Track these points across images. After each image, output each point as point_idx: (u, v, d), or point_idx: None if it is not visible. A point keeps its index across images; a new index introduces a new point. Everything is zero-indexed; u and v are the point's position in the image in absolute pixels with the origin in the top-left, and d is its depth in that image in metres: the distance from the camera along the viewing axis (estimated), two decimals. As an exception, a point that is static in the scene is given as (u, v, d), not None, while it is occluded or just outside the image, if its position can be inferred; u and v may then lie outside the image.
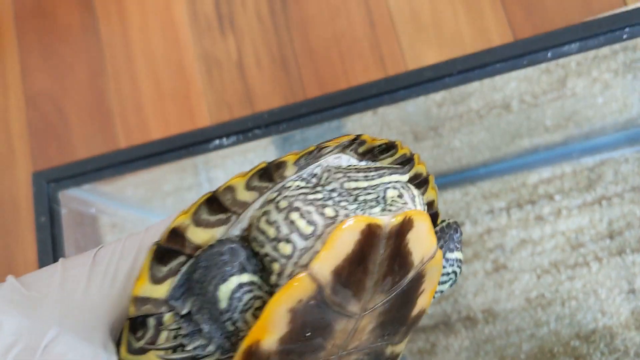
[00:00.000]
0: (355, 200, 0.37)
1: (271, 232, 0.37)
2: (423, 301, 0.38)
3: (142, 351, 0.36)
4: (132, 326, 0.36)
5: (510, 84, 0.75)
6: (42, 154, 0.90)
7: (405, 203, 0.38)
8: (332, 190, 0.38)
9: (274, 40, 0.86)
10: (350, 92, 0.46)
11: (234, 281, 0.35)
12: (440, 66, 0.44)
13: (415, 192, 0.40)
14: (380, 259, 0.35)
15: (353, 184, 0.37)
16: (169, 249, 0.36)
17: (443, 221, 0.44)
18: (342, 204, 0.37)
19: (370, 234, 0.35)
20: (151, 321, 0.36)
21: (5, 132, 0.92)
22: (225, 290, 0.35)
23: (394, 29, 0.83)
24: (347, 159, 0.41)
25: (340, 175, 0.38)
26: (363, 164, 0.41)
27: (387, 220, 0.35)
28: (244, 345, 0.33)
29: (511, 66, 0.44)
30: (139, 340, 0.36)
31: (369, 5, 0.84)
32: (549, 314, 0.69)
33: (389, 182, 0.38)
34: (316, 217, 0.36)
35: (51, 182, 0.52)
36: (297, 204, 0.37)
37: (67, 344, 0.35)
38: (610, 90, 0.73)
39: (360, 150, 0.40)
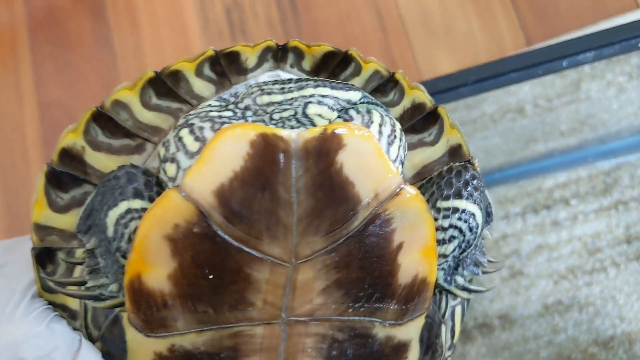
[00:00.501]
0: (272, 119, 0.31)
1: (162, 152, 0.32)
2: (412, 262, 0.30)
3: (57, 286, 0.33)
4: (39, 260, 0.33)
5: (524, 87, 0.74)
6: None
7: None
8: (246, 108, 0.32)
9: (286, 47, 0.86)
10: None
11: (122, 206, 0.31)
12: (454, 76, 0.44)
13: (379, 119, 0.32)
14: (297, 184, 0.28)
15: (266, 98, 0.31)
16: (64, 172, 0.32)
17: (449, 166, 0.35)
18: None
19: (266, 147, 0.28)
20: (60, 254, 0.33)
21: (21, 142, 0.93)
22: (112, 216, 0.31)
23: (405, 34, 0.82)
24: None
25: (255, 89, 0.32)
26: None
27: (294, 133, 0.29)
28: (125, 279, 0.29)
29: (526, 75, 0.44)
30: (52, 276, 0.33)
31: (379, 10, 0.84)
32: (566, 320, 0.69)
33: (310, 95, 0.31)
34: (208, 133, 0.30)
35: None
36: (193, 120, 0.32)
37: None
38: (625, 94, 0.73)
39: (305, 65, 0.34)
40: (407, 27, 0.83)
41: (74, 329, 0.34)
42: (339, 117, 0.31)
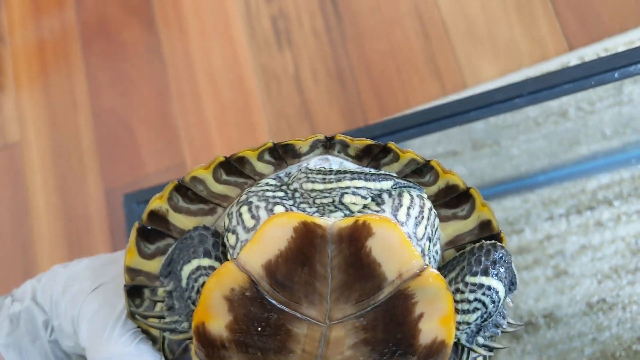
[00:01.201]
0: (315, 203, 0.37)
1: (226, 222, 0.39)
2: (431, 328, 0.36)
3: (141, 317, 0.41)
4: (130, 294, 0.41)
5: (567, 91, 0.76)
6: (112, 170, 0.94)
7: (381, 211, 0.37)
8: (295, 191, 0.38)
9: (330, 54, 0.89)
10: (423, 114, 0.48)
11: (194, 263, 0.38)
12: (510, 88, 0.46)
13: (408, 202, 0.38)
14: (331, 263, 0.34)
15: (310, 185, 0.37)
16: (151, 229, 0.40)
17: (473, 242, 0.40)
18: (302, 205, 0.37)
19: (307, 232, 0.34)
20: (146, 292, 0.41)
21: (77, 149, 0.97)
22: (186, 270, 0.38)
23: (449, 41, 0.85)
24: (339, 162, 0.40)
25: (302, 175, 0.38)
26: (354, 167, 0.39)
27: (331, 222, 0.35)
28: (193, 324, 0.36)
29: (579, 87, 0.46)
30: (139, 308, 0.41)
31: (422, 17, 0.86)
32: (610, 318, 0.70)
33: (347, 187, 0.36)
34: (262, 213, 0.37)
35: (142, 203, 0.56)
36: (252, 198, 0.38)
37: None
38: (668, 96, 0.74)
39: (350, 152, 0.39)
40: (450, 34, 0.85)
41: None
42: (372, 199, 0.37)
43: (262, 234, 0.35)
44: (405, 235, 0.35)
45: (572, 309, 0.72)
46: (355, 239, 0.34)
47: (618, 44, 0.77)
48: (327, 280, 0.35)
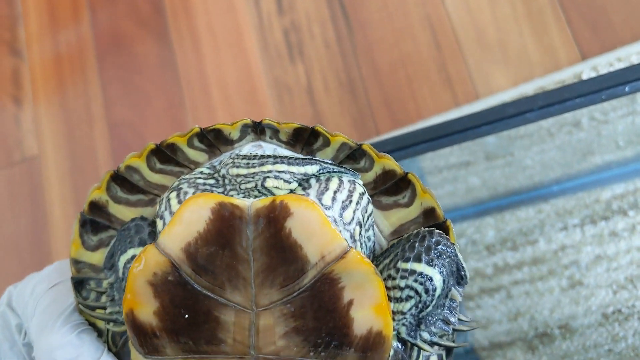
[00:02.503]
0: (240, 189, 0.37)
1: (156, 208, 0.39)
2: (365, 317, 0.34)
3: (86, 308, 0.41)
4: (77, 286, 0.41)
5: (580, 101, 0.75)
6: (128, 182, 0.95)
7: (305, 195, 0.36)
8: (224, 177, 0.38)
9: (341, 65, 0.89)
10: (434, 129, 0.48)
11: (130, 253, 0.38)
12: (521, 102, 0.46)
13: (335, 186, 0.37)
14: (252, 245, 0.34)
15: (235, 171, 0.37)
16: (93, 220, 0.40)
17: (417, 231, 0.39)
18: (231, 193, 0.37)
19: (224, 213, 0.34)
20: (91, 284, 0.41)
21: (92, 161, 0.99)
22: (122, 260, 0.38)
23: (459, 50, 0.85)
24: (272, 149, 0.39)
25: (229, 161, 0.38)
26: (287, 154, 0.39)
27: (248, 202, 0.34)
28: (123, 310, 0.36)
29: (590, 101, 0.46)
30: (87, 300, 0.41)
31: (433, 27, 0.87)
32: (626, 329, 0.70)
33: (269, 171, 0.36)
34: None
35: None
36: (183, 184, 0.38)
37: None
38: (683, 105, 0.74)
39: (282, 137, 0.39)
40: (461, 43, 0.85)
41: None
42: (299, 185, 0.37)
43: (179, 216, 0.34)
44: (330, 219, 0.35)
45: (588, 319, 0.71)
46: (273, 219, 0.33)
47: (631, 52, 0.77)
48: (249, 263, 0.34)
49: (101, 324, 0.42)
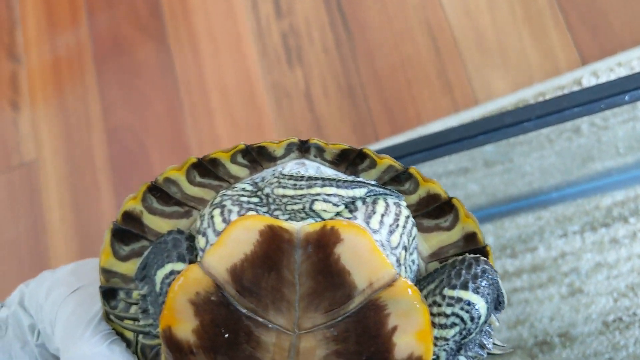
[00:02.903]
0: (286, 210, 0.36)
1: (198, 224, 0.39)
2: (407, 343, 0.34)
3: (116, 319, 0.40)
4: (105, 295, 0.40)
5: (580, 106, 0.75)
6: (126, 187, 0.95)
7: (352, 219, 0.36)
8: (268, 196, 0.37)
9: (340, 70, 0.89)
10: (429, 139, 0.48)
11: (168, 268, 0.37)
12: (519, 111, 0.46)
13: (382, 209, 0.37)
14: (299, 269, 0.33)
15: (281, 191, 0.36)
16: (126, 230, 0.40)
17: (457, 255, 0.39)
18: (276, 212, 0.37)
19: (273, 236, 0.34)
20: (121, 294, 0.41)
21: (91, 167, 0.98)
22: (160, 275, 0.37)
23: (459, 54, 0.84)
24: (316, 167, 0.39)
25: (274, 180, 0.37)
26: (331, 173, 0.38)
27: (298, 226, 0.34)
28: (160, 327, 0.35)
29: (588, 110, 0.45)
30: (114, 309, 0.41)
31: (432, 31, 0.86)
32: (627, 337, 0.69)
33: (317, 194, 0.36)
34: (233, 217, 0.36)
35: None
36: (226, 201, 0.37)
37: None
38: (684, 111, 0.73)
39: (327, 157, 0.39)
40: (460, 48, 0.84)
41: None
42: (346, 207, 0.36)
43: (227, 237, 0.34)
44: (377, 243, 0.35)
45: (588, 327, 0.71)
46: (323, 244, 0.34)
47: (632, 57, 0.76)
48: (294, 287, 0.34)
49: (129, 335, 0.41)
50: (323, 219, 0.36)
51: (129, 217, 0.40)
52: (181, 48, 0.98)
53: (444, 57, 0.85)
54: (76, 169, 0.99)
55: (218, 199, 0.38)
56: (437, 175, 0.77)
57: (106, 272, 0.40)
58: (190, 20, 0.99)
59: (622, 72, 0.75)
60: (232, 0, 0.97)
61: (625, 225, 0.73)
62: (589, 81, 0.77)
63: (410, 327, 0.34)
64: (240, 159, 0.39)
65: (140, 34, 1.01)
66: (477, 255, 0.38)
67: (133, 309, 0.41)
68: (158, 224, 0.40)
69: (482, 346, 0.39)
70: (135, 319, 0.40)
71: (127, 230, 0.40)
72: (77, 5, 1.06)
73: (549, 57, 0.80)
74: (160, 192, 0.39)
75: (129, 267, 0.41)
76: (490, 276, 0.37)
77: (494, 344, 0.39)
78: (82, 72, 1.03)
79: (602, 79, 0.76)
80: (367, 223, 0.36)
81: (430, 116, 0.83)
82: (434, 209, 0.39)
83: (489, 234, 0.76)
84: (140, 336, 0.40)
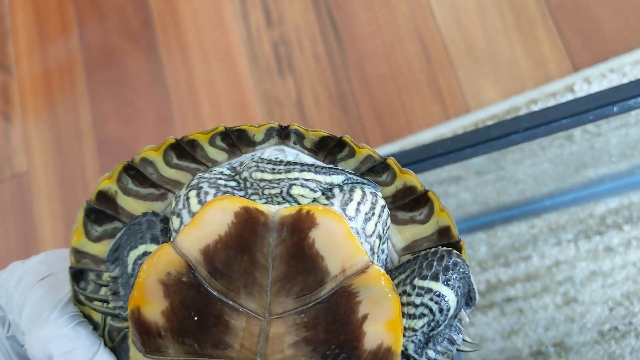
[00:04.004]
0: (263, 194, 0.36)
1: (173, 204, 0.38)
2: (377, 332, 0.34)
3: (86, 300, 0.40)
4: (75, 276, 0.40)
5: (572, 113, 0.74)
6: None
7: (329, 205, 0.36)
8: (245, 180, 0.37)
9: (331, 79, 0.88)
10: (416, 152, 0.47)
11: (141, 249, 0.37)
12: (506, 124, 0.45)
13: (359, 197, 0.37)
14: (273, 252, 0.33)
15: (259, 175, 0.36)
16: (99, 210, 0.39)
17: (431, 248, 0.39)
18: (253, 197, 0.36)
19: (248, 218, 0.33)
20: (91, 275, 0.40)
21: (82, 178, 0.98)
22: (132, 256, 0.37)
23: (450, 63, 0.84)
24: (295, 154, 0.39)
25: (253, 164, 0.37)
26: (310, 161, 0.38)
27: (274, 209, 0.34)
28: (128, 309, 0.35)
29: (577, 122, 0.45)
30: (84, 291, 0.40)
31: (423, 40, 0.86)
32: (623, 347, 0.69)
33: (295, 179, 0.36)
34: (209, 199, 0.36)
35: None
36: (203, 183, 0.37)
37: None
38: (677, 117, 0.72)
39: (306, 144, 0.38)
40: (451, 56, 0.84)
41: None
42: (323, 193, 0.36)
43: (202, 217, 0.33)
44: (353, 230, 0.35)
45: (583, 337, 0.70)
46: (298, 228, 0.33)
47: (624, 63, 0.76)
48: (267, 271, 0.33)
49: (97, 317, 0.41)
50: (300, 204, 0.35)
51: (103, 197, 0.39)
52: (172, 58, 0.98)
53: (435, 65, 0.84)
54: (67, 181, 0.98)
55: (195, 181, 0.38)
56: (429, 183, 0.77)
57: (77, 253, 0.40)
58: (180, 30, 0.98)
59: (615, 78, 0.75)
60: (223, 10, 0.97)
61: (619, 233, 0.72)
62: (581, 87, 0.76)
63: (381, 315, 0.34)
64: (219, 141, 0.38)
65: (131, 45, 1.01)
66: (450, 248, 0.38)
67: (103, 290, 0.40)
68: (132, 205, 0.39)
69: (452, 342, 0.39)
70: (105, 301, 0.39)
71: (101, 211, 0.39)
72: (67, 17, 1.06)
73: (540, 64, 0.80)
74: (136, 172, 0.39)
75: (101, 249, 0.40)
76: (461, 269, 0.37)
77: (463, 340, 0.39)
78: (73, 83, 1.03)
79: (595, 85, 0.76)
80: (344, 210, 0.36)
81: (421, 124, 0.82)
82: (409, 202, 0.39)
83: (481, 243, 0.75)
84: (109, 319, 0.40)
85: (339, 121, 0.86)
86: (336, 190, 0.37)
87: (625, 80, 0.74)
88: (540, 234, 0.74)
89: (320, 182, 0.36)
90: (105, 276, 0.40)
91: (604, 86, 0.75)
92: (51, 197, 0.99)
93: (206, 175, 0.38)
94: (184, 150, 0.38)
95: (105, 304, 0.39)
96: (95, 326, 0.41)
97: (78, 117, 1.01)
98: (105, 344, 0.40)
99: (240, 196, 0.36)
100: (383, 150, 0.82)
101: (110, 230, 0.40)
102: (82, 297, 0.40)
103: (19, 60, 1.07)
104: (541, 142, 0.76)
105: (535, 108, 0.77)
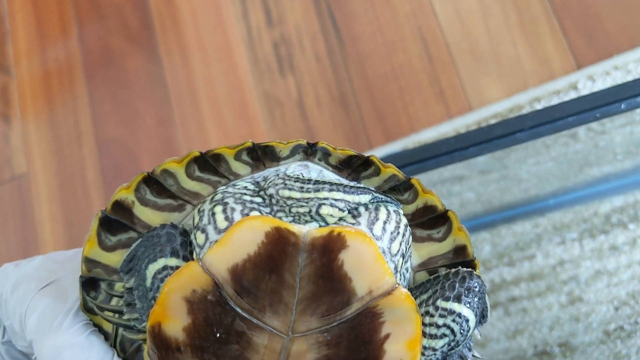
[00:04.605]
0: (290, 212, 0.36)
1: (196, 219, 0.37)
2: (397, 351, 0.35)
3: (97, 310, 0.39)
4: (85, 285, 0.39)
5: (576, 111, 0.74)
6: (118, 200, 0.94)
7: (356, 224, 0.36)
8: (271, 197, 0.36)
9: (333, 79, 0.88)
10: (420, 151, 0.46)
11: (160, 262, 0.36)
12: (511, 122, 0.45)
13: (384, 216, 0.37)
14: (301, 272, 0.33)
15: (287, 193, 0.36)
16: (114, 219, 0.38)
17: (450, 268, 0.39)
18: (279, 214, 0.36)
19: (279, 239, 0.33)
20: (103, 285, 0.39)
21: (82, 180, 0.97)
22: (151, 269, 0.36)
23: (452, 62, 0.83)
24: (318, 170, 0.39)
25: (279, 181, 0.37)
26: (333, 177, 0.38)
27: (305, 230, 0.34)
28: (148, 324, 0.34)
29: (583, 120, 0.44)
30: (94, 300, 0.39)
31: (425, 39, 0.85)
32: (629, 346, 0.68)
33: (325, 198, 0.35)
34: (237, 216, 0.36)
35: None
36: (228, 199, 0.37)
37: None
38: (682, 114, 0.72)
39: (332, 161, 0.38)
40: (453, 55, 0.83)
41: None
42: (349, 212, 0.36)
43: (231, 236, 0.34)
44: (380, 250, 0.35)
45: (589, 337, 0.69)
46: (328, 250, 0.33)
47: (628, 61, 0.75)
48: (294, 290, 0.34)
49: (107, 327, 0.40)
50: (327, 223, 0.36)
51: (120, 206, 0.38)
52: (171, 59, 0.97)
53: (437, 64, 0.84)
54: (67, 183, 0.98)
55: (219, 196, 0.38)
56: (432, 182, 0.76)
57: (89, 262, 0.39)
58: (180, 30, 0.98)
59: (619, 76, 0.74)
60: (223, 10, 0.96)
61: (624, 231, 0.71)
62: (584, 85, 0.76)
63: (403, 335, 0.34)
64: (244, 156, 0.38)
65: (131, 45, 1.00)
66: (470, 269, 0.38)
67: (114, 301, 0.40)
68: (149, 216, 0.39)
69: (462, 358, 0.39)
70: (117, 312, 0.39)
71: (116, 220, 0.38)
72: (67, 17, 1.05)
73: (543, 62, 0.79)
74: (155, 184, 0.38)
75: (114, 258, 0.39)
76: (481, 291, 0.37)
77: (473, 355, 0.40)
78: (73, 84, 1.02)
79: (599, 83, 0.75)
80: (371, 229, 0.36)
81: (424, 124, 0.81)
82: (427, 220, 0.39)
83: (485, 242, 0.75)
84: (121, 329, 0.39)
85: (340, 121, 0.86)
86: (362, 209, 0.37)
87: (630, 78, 0.74)
88: (545, 233, 0.74)
89: (349, 201, 0.36)
90: (119, 286, 0.39)
91: (607, 84, 0.74)
92: (51, 198, 0.98)
93: (230, 190, 0.38)
94: (207, 163, 0.38)
95: (117, 315, 0.39)
96: (105, 336, 0.40)
97: (78, 118, 1.00)
98: (118, 355, 0.40)
99: (266, 212, 0.36)
100: (385, 150, 0.81)
101: (125, 240, 0.39)
102: (95, 307, 0.39)
103: (18, 61, 1.06)
104: (545, 140, 0.75)
105: (538, 106, 0.76)
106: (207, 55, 0.95)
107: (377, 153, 0.78)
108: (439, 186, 0.77)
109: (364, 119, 0.85)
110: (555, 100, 0.75)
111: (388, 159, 0.49)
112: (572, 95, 0.75)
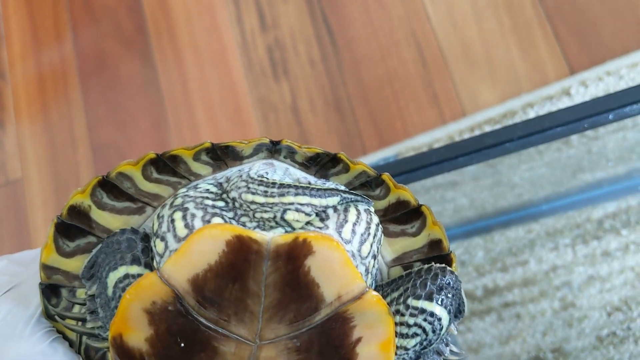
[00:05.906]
0: (254, 217, 0.35)
1: (155, 226, 0.36)
2: (369, 353, 0.34)
3: (59, 318, 0.38)
4: (46, 292, 0.38)
5: (569, 117, 0.74)
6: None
7: (324, 228, 0.35)
8: (234, 201, 0.35)
9: (327, 83, 0.88)
10: (410, 160, 0.46)
11: (121, 270, 0.35)
12: (501, 132, 0.45)
13: (354, 218, 0.36)
14: (266, 280, 0.32)
15: (250, 197, 0.34)
16: (71, 225, 0.37)
17: (422, 265, 0.38)
18: (243, 219, 0.35)
19: (241, 247, 0.32)
20: (64, 292, 0.38)
21: (76, 184, 0.97)
22: (112, 278, 0.35)
23: (446, 66, 0.83)
24: (284, 168, 0.37)
25: (242, 184, 0.35)
26: (300, 176, 0.37)
27: (268, 237, 0.33)
28: (109, 336, 0.33)
29: (572, 130, 0.44)
30: (56, 308, 0.38)
31: (419, 44, 0.85)
32: (622, 352, 0.68)
33: (290, 203, 0.34)
34: (197, 223, 0.34)
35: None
36: (189, 204, 0.35)
37: None
38: (674, 120, 0.72)
39: (298, 159, 0.37)
40: (447, 60, 0.83)
41: None
42: (317, 215, 0.35)
43: (191, 246, 0.32)
44: (349, 254, 0.34)
45: (582, 342, 0.69)
46: (293, 257, 0.32)
47: (620, 66, 0.75)
48: (260, 298, 0.33)
49: (71, 335, 0.39)
50: (294, 228, 0.34)
51: (76, 211, 0.37)
52: (166, 63, 0.97)
53: (431, 69, 0.84)
54: (62, 187, 0.98)
55: (179, 200, 0.36)
56: (426, 188, 0.76)
57: (48, 269, 0.38)
58: (174, 35, 0.98)
59: (611, 81, 0.74)
60: (217, 14, 0.96)
61: (617, 237, 0.71)
62: (577, 90, 0.76)
63: (375, 338, 0.33)
64: (204, 156, 0.37)
65: (125, 50, 1.00)
66: (444, 265, 0.37)
67: (77, 308, 0.39)
68: (107, 219, 0.37)
69: (439, 353, 0.38)
70: (79, 319, 0.38)
71: (73, 225, 0.37)
72: (61, 22, 1.05)
73: (536, 67, 0.79)
74: (112, 187, 0.37)
75: (74, 265, 0.38)
76: (455, 287, 0.36)
77: (450, 350, 0.39)
78: (67, 89, 1.02)
79: (591, 88, 0.75)
80: (339, 233, 0.35)
81: (418, 128, 0.81)
82: (401, 215, 0.38)
83: (479, 248, 0.75)
84: (85, 337, 0.38)
85: (334, 126, 0.86)
86: (330, 211, 0.35)
87: (622, 84, 0.74)
88: (538, 238, 0.74)
89: (315, 205, 0.34)
90: (81, 292, 0.38)
91: (600, 89, 0.75)
92: (45, 203, 0.98)
93: (191, 193, 0.36)
94: (165, 164, 0.37)
95: (80, 323, 0.38)
96: (70, 342, 0.39)
97: (72, 123, 1.00)
98: None
99: (229, 218, 0.35)
100: (379, 155, 0.81)
101: (84, 245, 0.38)
102: (56, 315, 0.38)
103: (12, 65, 1.06)
104: (538, 146, 0.75)
105: (531, 111, 0.76)
106: (201, 60, 0.95)
107: (370, 159, 0.78)
108: (432, 192, 0.77)
109: (359, 123, 0.85)
110: (548, 106, 0.75)
111: (379, 168, 0.49)
112: (565, 101, 0.75)
